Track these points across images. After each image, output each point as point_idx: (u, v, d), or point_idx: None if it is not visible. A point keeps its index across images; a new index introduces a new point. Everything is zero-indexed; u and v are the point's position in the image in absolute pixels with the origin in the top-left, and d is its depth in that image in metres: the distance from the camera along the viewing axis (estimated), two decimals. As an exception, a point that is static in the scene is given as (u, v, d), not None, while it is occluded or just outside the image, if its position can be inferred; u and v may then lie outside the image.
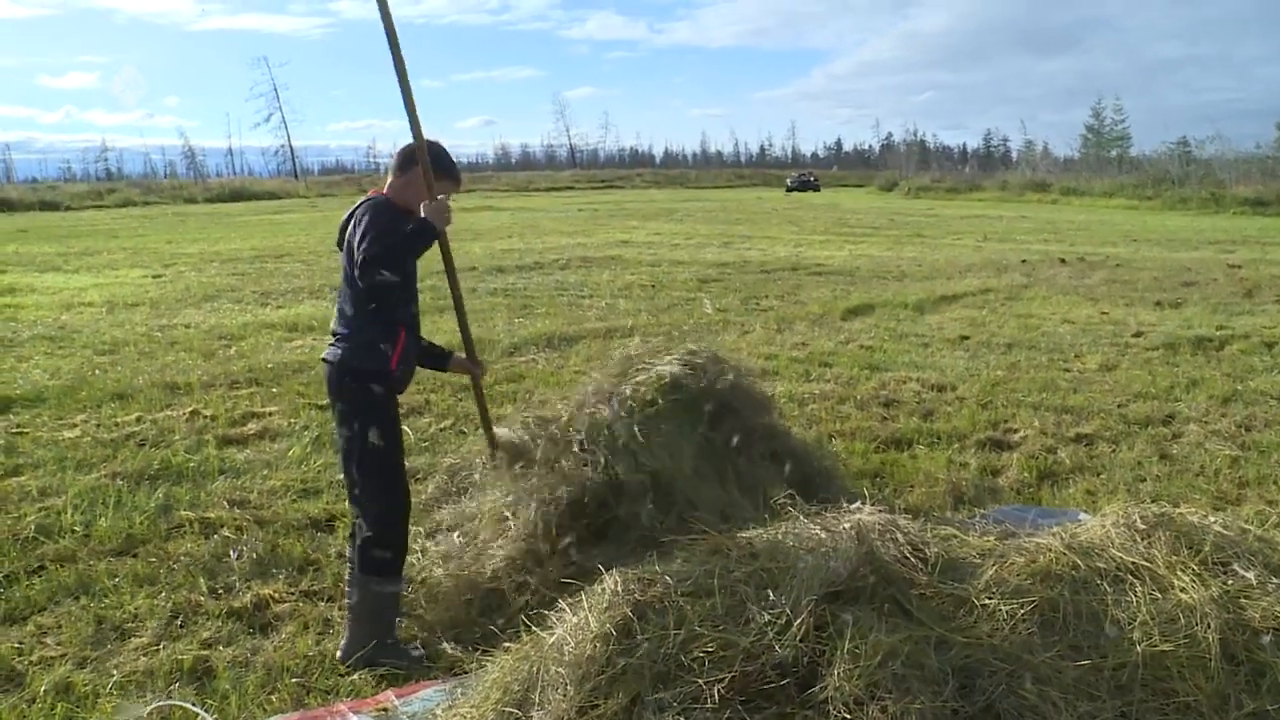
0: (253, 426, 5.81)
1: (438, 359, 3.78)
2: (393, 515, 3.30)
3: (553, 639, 2.38)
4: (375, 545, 3.25)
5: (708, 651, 2.22)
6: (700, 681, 2.15)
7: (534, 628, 2.50)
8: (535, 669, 2.32)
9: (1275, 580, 2.56)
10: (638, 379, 4.20)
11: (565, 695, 2.20)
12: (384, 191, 3.38)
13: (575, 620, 2.40)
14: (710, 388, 4.22)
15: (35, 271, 14.71)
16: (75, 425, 5.85)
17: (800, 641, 2.26)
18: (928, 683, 2.17)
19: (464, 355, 3.82)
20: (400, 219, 3.20)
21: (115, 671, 3.06)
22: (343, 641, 3.24)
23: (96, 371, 7.39)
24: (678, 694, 2.15)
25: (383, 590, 3.25)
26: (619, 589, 2.44)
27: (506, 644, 2.53)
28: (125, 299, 11.43)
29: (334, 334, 3.36)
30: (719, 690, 2.13)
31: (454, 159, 3.51)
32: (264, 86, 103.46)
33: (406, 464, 3.50)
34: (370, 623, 3.20)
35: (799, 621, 2.29)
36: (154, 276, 13.92)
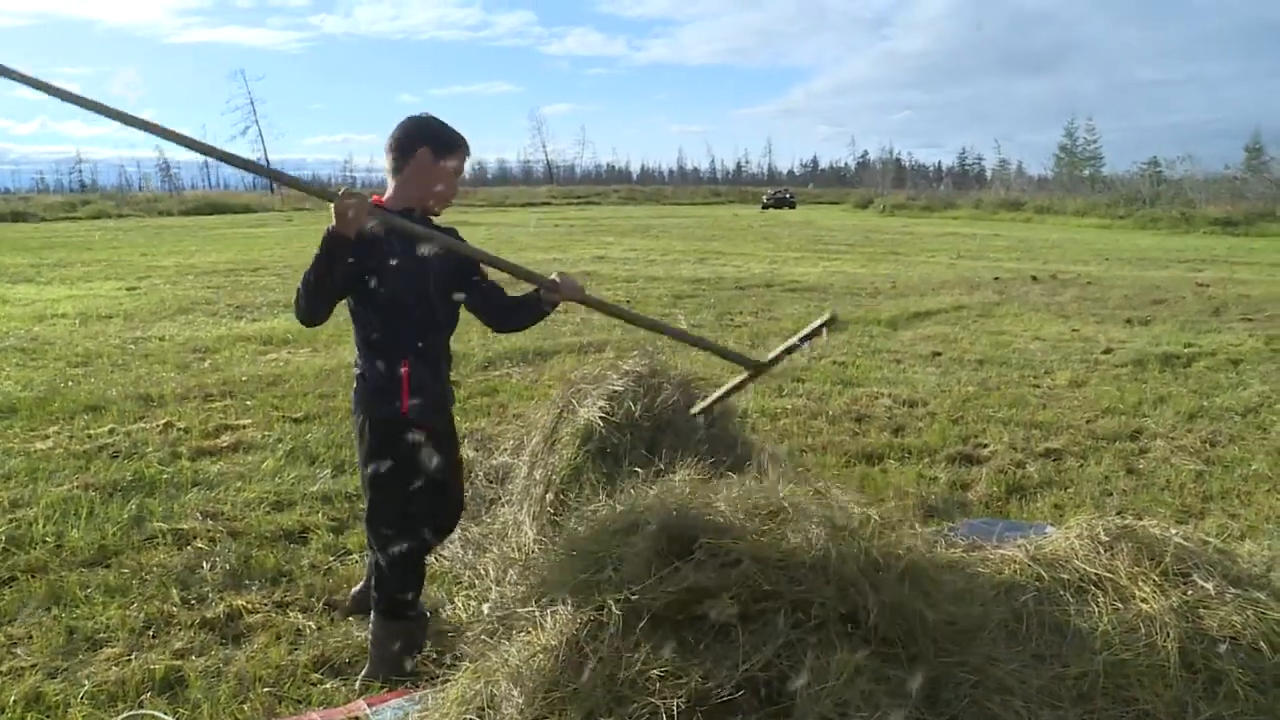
0: (226, 439, 5.79)
1: (532, 308, 3.24)
2: (406, 555, 3.11)
3: (508, 654, 2.38)
4: (387, 584, 3.11)
5: (664, 671, 2.20)
6: (655, 700, 2.14)
7: (493, 642, 2.50)
8: (491, 683, 2.32)
9: (1233, 590, 2.63)
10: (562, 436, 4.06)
11: (518, 709, 2.20)
12: (382, 200, 2.99)
13: (527, 636, 2.40)
14: (634, 422, 3.98)
15: (7, 283, 14.57)
16: (48, 436, 5.81)
17: (760, 670, 2.26)
18: (895, 697, 2.19)
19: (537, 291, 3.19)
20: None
21: (86, 681, 3.04)
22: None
23: (69, 383, 7.34)
24: (632, 712, 2.14)
25: (396, 627, 3.10)
26: (574, 606, 2.45)
27: (471, 656, 2.52)
28: (99, 311, 11.34)
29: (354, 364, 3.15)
30: (678, 704, 2.13)
31: (447, 124, 3.04)
32: (241, 99, 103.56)
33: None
34: (383, 659, 3.07)
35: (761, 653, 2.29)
36: (128, 289, 13.81)
